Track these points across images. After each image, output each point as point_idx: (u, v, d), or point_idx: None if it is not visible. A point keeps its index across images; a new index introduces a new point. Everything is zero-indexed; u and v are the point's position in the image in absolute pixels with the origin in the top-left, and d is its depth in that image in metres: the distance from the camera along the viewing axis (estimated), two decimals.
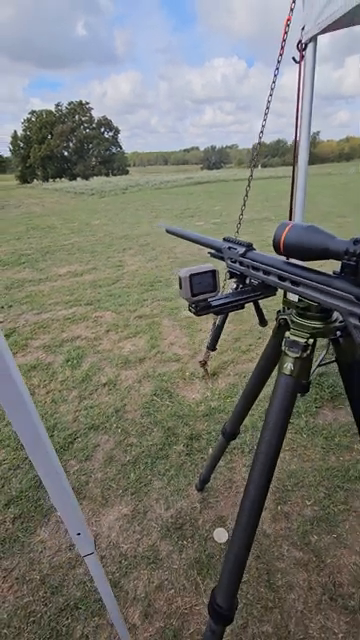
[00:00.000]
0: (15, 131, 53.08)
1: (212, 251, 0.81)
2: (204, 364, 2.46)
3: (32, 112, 53.84)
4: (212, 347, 0.74)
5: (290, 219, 1.91)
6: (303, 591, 1.27)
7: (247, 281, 0.72)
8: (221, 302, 0.66)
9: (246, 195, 2.19)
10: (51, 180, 48.60)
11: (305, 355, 0.66)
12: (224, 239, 0.77)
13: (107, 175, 49.80)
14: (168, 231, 1.00)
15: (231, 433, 1.08)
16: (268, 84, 1.75)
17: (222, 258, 0.78)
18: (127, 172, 56.95)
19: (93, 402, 2.32)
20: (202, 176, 31.63)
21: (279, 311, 0.73)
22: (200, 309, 0.63)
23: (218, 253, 0.79)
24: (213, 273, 0.62)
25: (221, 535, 1.47)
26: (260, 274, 0.66)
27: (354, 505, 1.56)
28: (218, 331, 0.74)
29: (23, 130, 52.74)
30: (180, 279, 0.60)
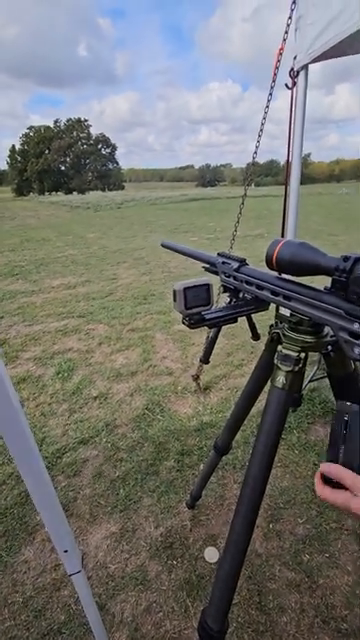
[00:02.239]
0: (13, 145, 53.84)
1: (206, 265, 0.83)
2: (196, 378, 2.46)
3: (30, 127, 54.80)
4: (205, 360, 0.74)
5: (282, 237, 1.95)
6: (295, 614, 1.24)
7: (240, 295, 0.74)
8: (215, 315, 0.66)
9: (240, 212, 2.25)
10: (47, 193, 49.09)
11: (297, 369, 0.67)
12: (218, 254, 0.78)
13: (103, 190, 50.53)
14: (163, 245, 1.02)
15: (223, 448, 1.07)
16: (262, 107, 1.82)
17: (216, 272, 0.80)
18: (123, 187, 57.88)
19: (83, 416, 2.28)
20: (197, 193, 32.29)
21: (272, 325, 0.74)
22: (194, 322, 0.64)
23: (212, 267, 0.80)
24: (207, 287, 0.63)
25: (212, 554, 1.44)
26: (253, 289, 0.68)
27: (346, 523, 1.54)
28: (211, 344, 0.74)
29: (21, 144, 53.53)
30: (175, 292, 0.61)
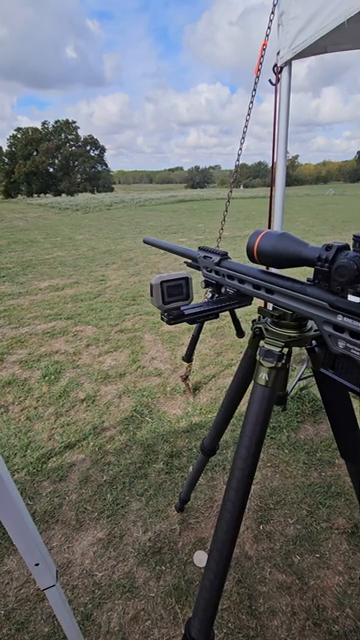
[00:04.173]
0: (0, 147, 53.12)
1: (188, 260, 0.80)
2: (185, 379, 2.42)
3: (18, 129, 54.19)
4: (188, 359, 0.71)
5: None
6: (286, 617, 1.21)
7: (223, 290, 0.71)
8: (195, 311, 0.63)
9: (226, 210, 2.24)
10: (35, 195, 48.55)
11: (280, 365, 0.64)
12: (199, 248, 0.76)
13: (92, 192, 50.22)
14: (145, 241, 0.99)
15: (210, 449, 1.04)
16: (250, 109, 1.81)
17: (198, 267, 0.77)
18: (112, 189, 57.62)
19: (70, 419, 2.23)
20: (186, 194, 32.35)
21: (254, 320, 0.71)
22: (172, 317, 0.61)
23: (194, 262, 0.77)
24: (186, 281, 0.60)
25: (201, 558, 1.40)
26: (235, 283, 0.65)
27: (337, 522, 1.53)
28: (193, 342, 0.71)
29: (8, 146, 52.83)
30: (151, 286, 0.58)
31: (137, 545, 1.45)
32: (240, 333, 0.83)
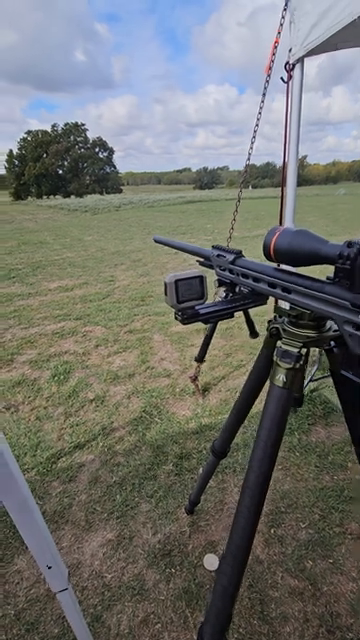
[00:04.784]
0: (10, 150, 53.87)
1: (201, 259, 0.79)
2: (194, 379, 2.41)
3: (28, 132, 54.88)
4: (200, 359, 0.70)
5: None
6: (299, 623, 1.19)
7: (237, 289, 0.69)
8: (209, 310, 0.62)
9: (236, 210, 2.22)
10: (45, 197, 49.10)
11: (298, 366, 0.63)
12: (213, 247, 0.74)
13: (101, 193, 50.58)
14: (156, 240, 0.98)
15: (221, 451, 1.03)
16: (258, 109, 1.79)
17: (211, 266, 0.76)
18: (121, 191, 57.93)
19: (79, 419, 2.23)
20: (194, 195, 32.35)
21: (270, 320, 0.70)
22: (187, 317, 0.59)
23: (207, 261, 0.76)
24: (201, 279, 0.59)
25: (212, 562, 1.38)
26: (250, 281, 0.64)
27: (350, 527, 1.50)
28: (207, 342, 0.70)
29: (18, 149, 53.56)
30: (166, 285, 0.57)
31: (147, 547, 1.44)
32: (254, 333, 0.81)
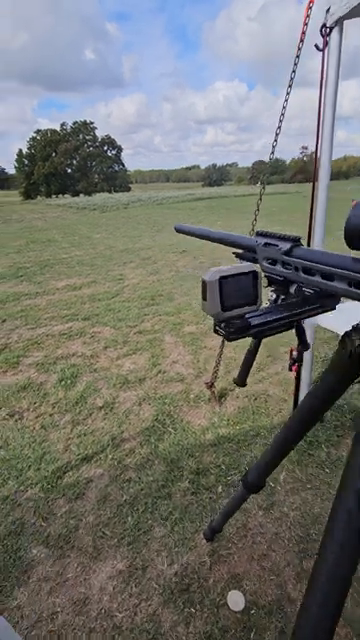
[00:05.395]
0: (20, 149, 54.21)
1: (238, 251, 0.61)
2: (211, 386, 2.23)
3: (37, 131, 55.16)
4: (241, 382, 0.53)
5: (309, 236, 1.73)
6: None
7: (292, 290, 0.52)
8: (265, 320, 0.45)
9: (257, 209, 2.07)
10: (54, 196, 49.32)
11: None
12: (257, 233, 0.57)
13: (110, 192, 50.55)
14: (178, 230, 0.81)
15: (255, 485, 0.85)
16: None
17: (254, 259, 0.58)
18: (129, 189, 57.84)
19: (87, 428, 2.08)
20: (203, 192, 32.04)
21: (348, 332, 0.51)
22: (234, 331, 0.42)
23: (248, 253, 0.58)
24: (254, 275, 0.42)
25: (237, 600, 1.21)
26: (317, 279, 0.46)
27: None
28: (250, 361, 0.52)
29: (28, 148, 53.87)
30: (205, 284, 0.40)
31: (162, 580, 1.28)
32: (305, 345, 0.63)
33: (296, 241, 0.50)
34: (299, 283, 0.49)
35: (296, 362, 1.42)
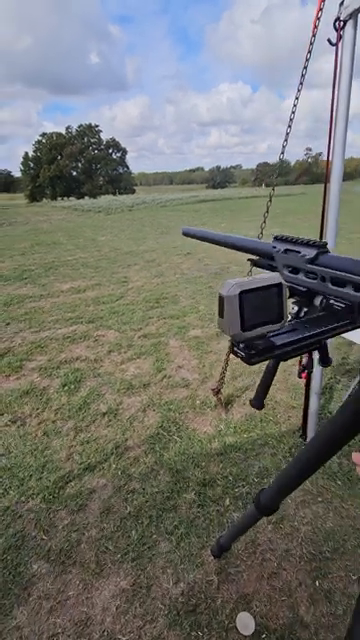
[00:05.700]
0: (26, 152, 54.64)
1: (254, 257, 0.55)
2: (217, 392, 2.18)
3: (43, 134, 55.58)
4: (259, 405, 0.47)
5: (321, 238, 1.67)
6: None
7: (317, 302, 0.46)
8: (290, 339, 0.39)
9: (267, 211, 2.01)
10: (59, 199, 49.61)
11: None
12: (275, 238, 0.51)
13: (114, 194, 50.75)
14: (185, 233, 0.76)
15: (268, 507, 0.79)
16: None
17: (271, 267, 0.52)
18: (134, 191, 58.00)
19: (90, 436, 2.03)
20: (207, 194, 32.01)
21: None
22: (256, 353, 0.37)
23: (265, 260, 0.53)
24: (279, 289, 0.36)
25: (247, 623, 1.15)
26: (349, 291, 0.40)
27: None
28: (267, 382, 0.47)
29: (34, 151, 54.29)
30: (222, 299, 0.34)
31: (167, 600, 1.22)
32: (326, 360, 0.57)
33: (322, 247, 0.45)
34: (326, 295, 0.44)
35: (306, 369, 1.36)
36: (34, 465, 1.81)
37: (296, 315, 0.48)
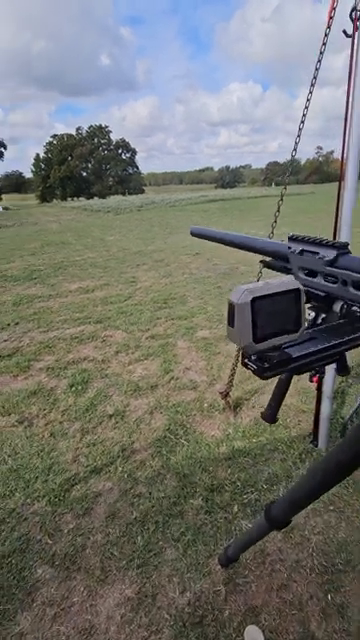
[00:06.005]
0: (37, 153, 55.31)
1: (266, 259, 0.52)
2: (226, 395, 2.13)
3: (54, 136, 56.19)
4: (272, 419, 0.44)
5: (334, 237, 1.62)
6: None
7: (336, 308, 0.42)
8: (307, 351, 0.35)
9: (278, 210, 1.97)
10: (69, 199, 50.05)
11: None
12: (290, 238, 0.47)
13: (124, 194, 50.96)
14: (193, 233, 0.72)
15: (279, 521, 0.75)
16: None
17: (285, 269, 0.48)
18: (143, 191, 58.19)
19: (97, 438, 2.01)
20: (216, 194, 31.88)
21: None
22: (271, 366, 0.33)
23: (279, 262, 0.49)
24: (296, 295, 0.33)
25: (255, 637, 1.11)
26: None
27: None
28: (280, 396, 0.43)
29: (45, 152, 54.92)
30: (232, 307, 0.31)
31: (173, 610, 1.18)
32: (344, 369, 0.53)
33: (343, 248, 0.41)
34: (347, 301, 0.40)
35: (317, 374, 1.32)
36: (40, 467, 1.80)
37: (313, 322, 0.44)
